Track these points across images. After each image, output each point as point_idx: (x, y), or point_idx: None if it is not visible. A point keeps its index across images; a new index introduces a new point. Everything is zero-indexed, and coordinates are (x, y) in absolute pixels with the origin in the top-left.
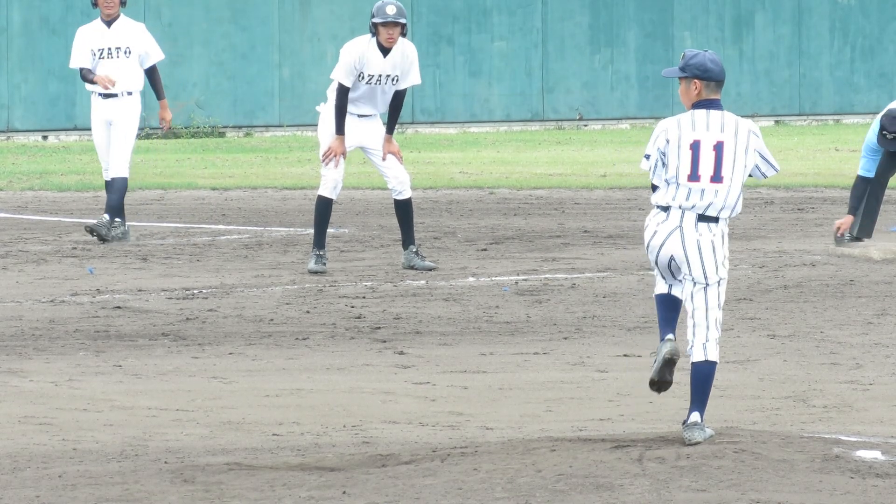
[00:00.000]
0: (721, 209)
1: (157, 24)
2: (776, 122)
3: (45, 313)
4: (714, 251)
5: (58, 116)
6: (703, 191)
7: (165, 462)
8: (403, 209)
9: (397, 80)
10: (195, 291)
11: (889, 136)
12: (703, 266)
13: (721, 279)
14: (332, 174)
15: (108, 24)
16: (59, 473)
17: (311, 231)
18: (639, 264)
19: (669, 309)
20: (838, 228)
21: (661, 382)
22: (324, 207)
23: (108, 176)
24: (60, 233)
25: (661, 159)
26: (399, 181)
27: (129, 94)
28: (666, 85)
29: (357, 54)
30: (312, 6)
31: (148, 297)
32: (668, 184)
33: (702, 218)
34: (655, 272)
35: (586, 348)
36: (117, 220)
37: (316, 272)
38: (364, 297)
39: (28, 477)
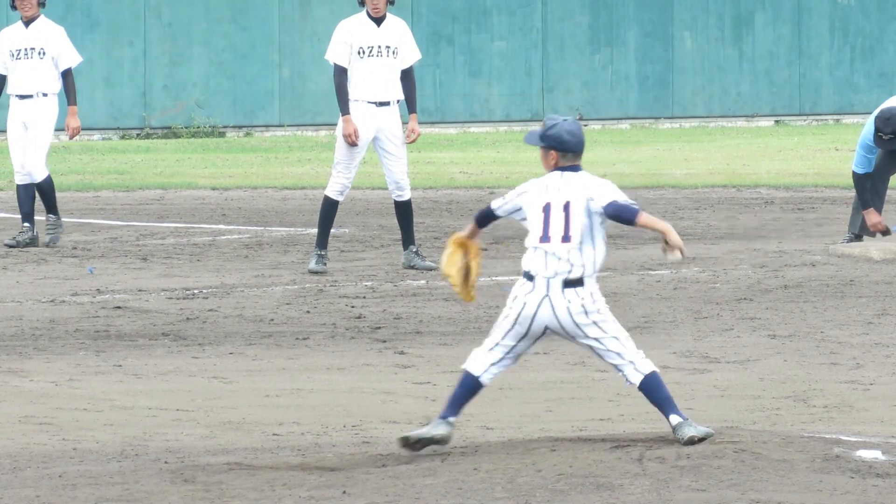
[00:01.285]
0: (583, 271)
1: (157, 23)
2: (776, 122)
3: (46, 313)
4: (587, 314)
5: (58, 116)
6: (555, 254)
7: (165, 462)
8: (404, 210)
9: (397, 53)
10: (195, 291)
11: (885, 137)
12: (580, 328)
13: (599, 323)
14: (342, 178)
15: (27, 24)
16: (60, 473)
17: (312, 231)
18: (639, 264)
19: (469, 392)
20: (877, 227)
21: (411, 445)
22: (329, 208)
23: (20, 180)
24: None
25: (516, 214)
26: (399, 185)
27: (45, 95)
28: (666, 85)
29: (347, 27)
30: (312, 6)
31: (148, 297)
32: (528, 249)
33: (567, 284)
34: (500, 341)
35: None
36: (51, 216)
37: (316, 272)
38: (364, 297)
39: (28, 477)
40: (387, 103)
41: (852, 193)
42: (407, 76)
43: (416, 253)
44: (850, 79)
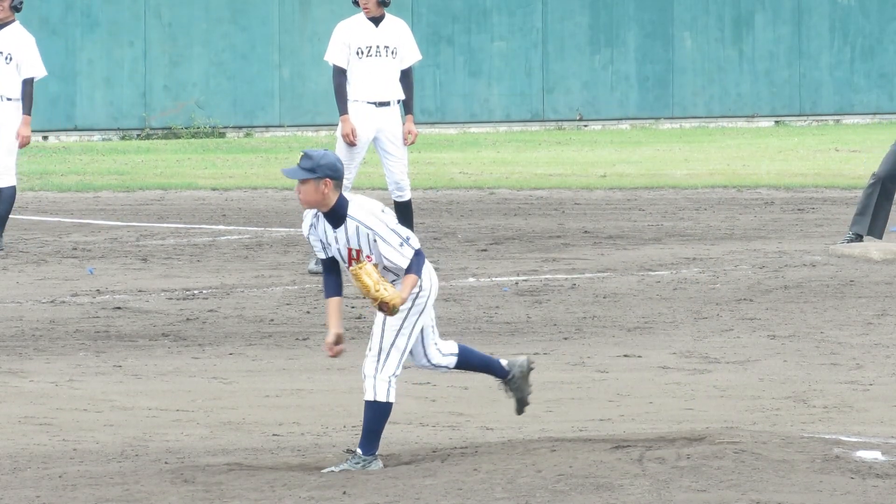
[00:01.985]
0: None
1: (157, 23)
2: (776, 122)
3: (46, 314)
4: None
5: (58, 117)
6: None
7: (165, 462)
8: (404, 211)
9: (396, 53)
10: (195, 292)
11: None
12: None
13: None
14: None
15: None
16: (60, 474)
17: None
18: (639, 264)
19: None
20: None
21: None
22: None
23: None
24: (60, 233)
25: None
26: (399, 185)
27: (9, 100)
28: (666, 85)
29: (346, 28)
30: (312, 6)
31: (148, 298)
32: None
33: None
34: (408, 349)
35: (586, 349)
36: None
37: (316, 273)
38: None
39: (28, 477)
40: (387, 103)
41: (852, 194)
42: (405, 77)
43: None
44: (850, 79)
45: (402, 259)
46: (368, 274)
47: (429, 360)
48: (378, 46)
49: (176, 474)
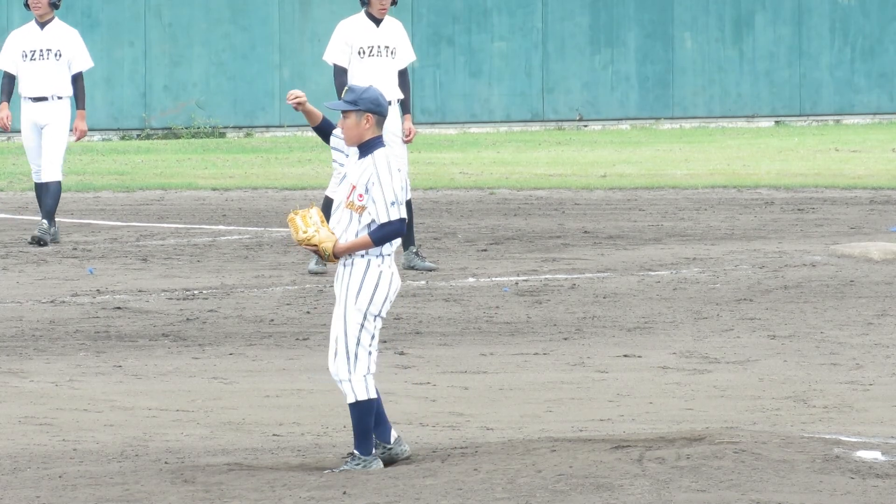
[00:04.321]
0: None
1: (157, 23)
2: (776, 122)
3: (46, 314)
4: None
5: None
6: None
7: (165, 462)
8: None
9: (395, 54)
10: (195, 292)
11: None
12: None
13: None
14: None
15: (42, 26)
16: (60, 474)
17: None
18: (639, 264)
19: (374, 414)
20: None
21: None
22: (330, 209)
23: (38, 178)
24: (61, 233)
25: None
26: None
27: (59, 98)
28: (666, 85)
29: (348, 27)
30: (312, 6)
31: (148, 298)
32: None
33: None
34: (373, 345)
35: (586, 349)
36: (54, 225)
37: (316, 273)
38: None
39: (28, 477)
40: (388, 103)
41: (852, 194)
42: (402, 77)
43: (416, 254)
44: (851, 79)
45: (382, 215)
46: (304, 217)
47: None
48: (379, 46)
49: (176, 474)
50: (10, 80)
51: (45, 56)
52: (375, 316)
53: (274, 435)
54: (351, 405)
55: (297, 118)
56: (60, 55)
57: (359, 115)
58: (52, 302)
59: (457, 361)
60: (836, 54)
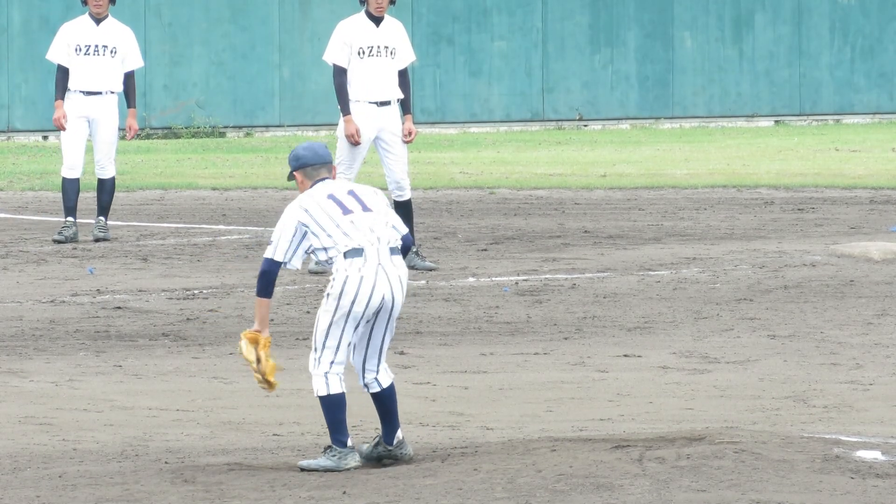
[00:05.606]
0: (391, 240)
1: (157, 23)
2: (776, 122)
3: (46, 313)
4: (405, 285)
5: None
6: (364, 222)
7: (165, 462)
8: (404, 210)
9: (395, 54)
10: (195, 292)
11: None
12: (402, 298)
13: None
14: (343, 178)
15: (97, 21)
16: (60, 473)
17: None
18: (639, 264)
19: (344, 409)
20: None
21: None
22: None
23: (69, 174)
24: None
25: (308, 233)
26: (399, 185)
27: (112, 93)
28: (666, 85)
29: (347, 27)
30: (312, 6)
31: (148, 298)
32: (333, 237)
33: (392, 251)
34: (341, 347)
35: (586, 348)
36: (101, 219)
37: (316, 272)
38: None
39: (28, 477)
40: (387, 103)
41: (852, 194)
42: (402, 77)
43: (416, 253)
44: (850, 79)
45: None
46: (247, 349)
47: (363, 376)
48: (379, 46)
49: (176, 474)
50: (65, 74)
51: (101, 52)
52: (345, 318)
53: (274, 435)
54: (319, 399)
55: (296, 118)
56: (116, 52)
57: (295, 176)
58: (52, 302)
59: (457, 361)
60: (835, 54)
